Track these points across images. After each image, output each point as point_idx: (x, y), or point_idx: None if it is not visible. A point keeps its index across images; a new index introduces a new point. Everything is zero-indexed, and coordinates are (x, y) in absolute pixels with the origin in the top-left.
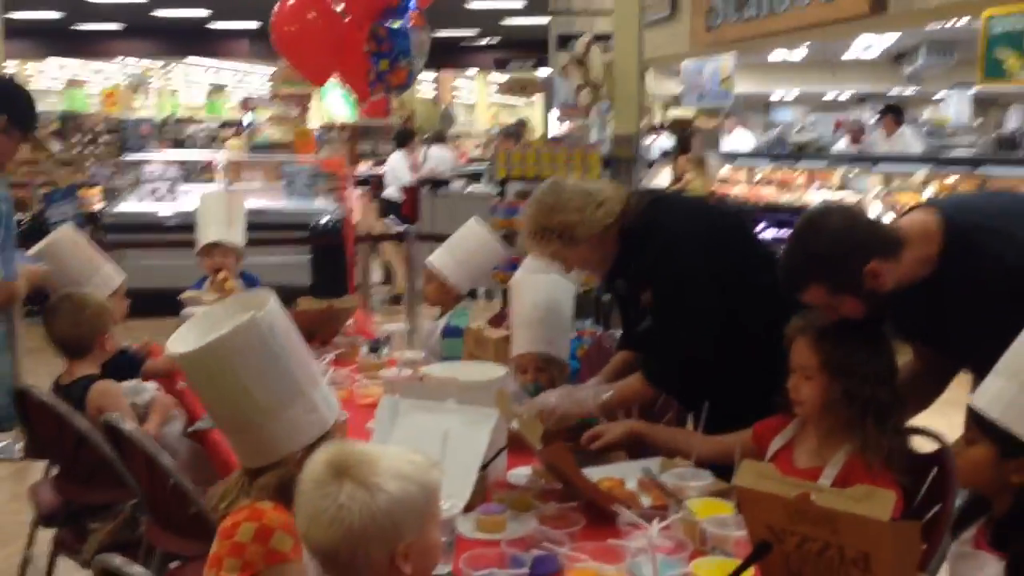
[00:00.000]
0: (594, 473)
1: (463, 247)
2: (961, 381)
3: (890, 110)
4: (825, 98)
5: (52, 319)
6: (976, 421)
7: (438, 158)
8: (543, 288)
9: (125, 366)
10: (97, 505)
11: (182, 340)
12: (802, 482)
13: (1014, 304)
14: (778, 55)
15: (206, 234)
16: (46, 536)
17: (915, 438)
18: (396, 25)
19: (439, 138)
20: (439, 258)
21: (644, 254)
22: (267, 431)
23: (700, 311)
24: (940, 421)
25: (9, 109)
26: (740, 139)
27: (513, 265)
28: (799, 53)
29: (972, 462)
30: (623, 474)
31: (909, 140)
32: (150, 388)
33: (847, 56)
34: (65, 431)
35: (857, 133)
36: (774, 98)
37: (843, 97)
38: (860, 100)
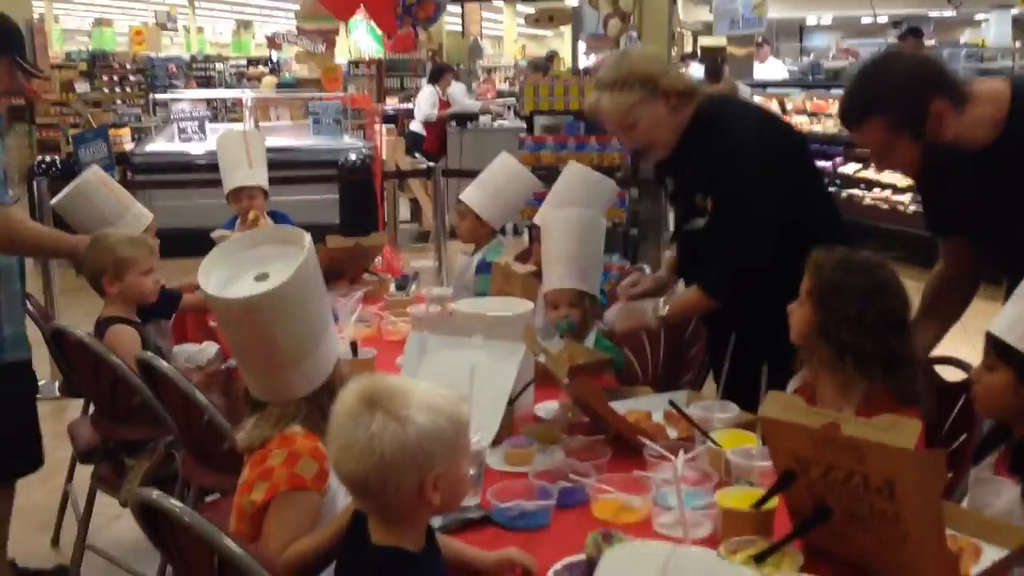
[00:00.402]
0: (620, 406)
1: (495, 182)
2: (986, 309)
3: (911, 32)
4: (862, 21)
5: (89, 257)
6: (994, 347)
7: (422, 100)
8: (575, 223)
9: (163, 304)
10: (134, 441)
11: (210, 274)
12: (827, 411)
13: None
14: None
15: (229, 179)
16: (85, 472)
17: (942, 367)
18: None
19: (433, 78)
20: (471, 195)
21: (707, 151)
22: (289, 376)
23: (761, 220)
24: (968, 350)
25: None
26: (773, 68)
27: (541, 199)
28: None
29: (991, 388)
30: (650, 407)
31: None
32: (214, 348)
33: None
34: (101, 370)
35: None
36: (809, 23)
37: (881, 20)
38: (897, 24)
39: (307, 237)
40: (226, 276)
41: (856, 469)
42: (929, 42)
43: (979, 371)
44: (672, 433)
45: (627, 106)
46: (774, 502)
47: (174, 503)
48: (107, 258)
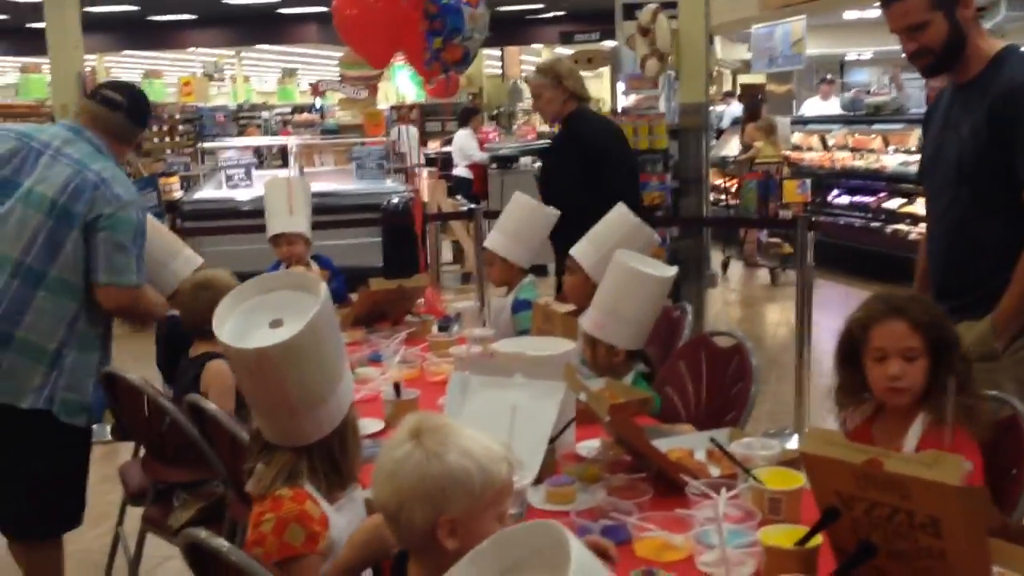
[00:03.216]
0: (662, 444)
1: (513, 223)
2: None
3: None
4: (903, 55)
5: (190, 302)
6: None
7: (459, 144)
8: (627, 277)
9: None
10: (184, 484)
11: (225, 320)
12: (869, 447)
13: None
14: (851, 13)
15: (271, 225)
16: (135, 515)
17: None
18: (446, 1)
19: (463, 121)
20: (493, 239)
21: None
22: (300, 422)
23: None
24: None
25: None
26: (819, 105)
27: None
28: (874, 11)
29: None
30: (691, 445)
31: None
32: None
33: None
34: (152, 413)
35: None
36: (849, 58)
37: None
38: None
39: (322, 285)
40: (241, 322)
41: (900, 506)
42: None
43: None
44: (715, 471)
45: (538, 83)
46: (818, 540)
47: (221, 542)
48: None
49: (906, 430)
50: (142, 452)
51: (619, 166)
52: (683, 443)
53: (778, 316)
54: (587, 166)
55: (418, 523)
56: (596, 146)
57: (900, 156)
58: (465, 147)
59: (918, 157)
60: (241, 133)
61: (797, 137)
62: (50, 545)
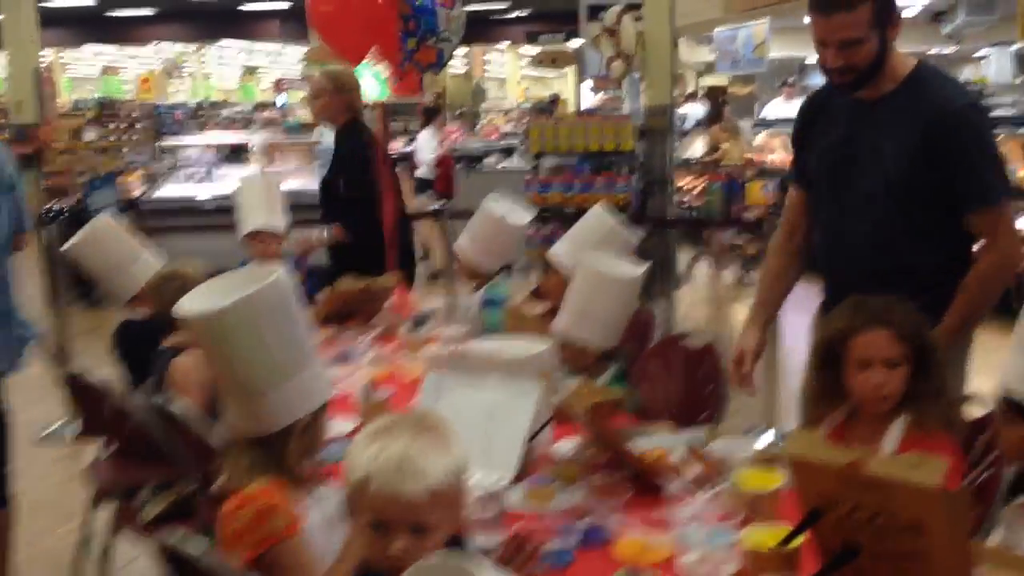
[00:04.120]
0: (640, 444)
1: (482, 231)
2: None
3: None
4: None
5: (157, 295)
6: (1007, 404)
7: (422, 144)
8: (593, 280)
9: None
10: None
11: (188, 300)
12: (852, 449)
13: (938, 139)
14: None
15: (248, 222)
16: (103, 514)
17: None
18: (421, 2)
19: (427, 121)
20: (462, 243)
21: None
22: (279, 394)
23: None
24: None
25: None
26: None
27: (548, 239)
28: None
29: (1011, 440)
30: (670, 445)
31: None
32: None
33: None
34: (119, 414)
35: None
36: (810, 61)
37: None
38: None
39: (280, 271)
40: (203, 299)
41: (883, 508)
42: None
43: (998, 418)
44: (694, 470)
45: (321, 86)
46: (799, 541)
47: (197, 546)
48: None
49: (881, 434)
50: (110, 450)
51: (363, 179)
52: (661, 443)
53: (744, 315)
54: (342, 178)
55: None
56: (360, 163)
57: None
58: (426, 147)
59: None
60: (201, 131)
61: (760, 139)
62: None
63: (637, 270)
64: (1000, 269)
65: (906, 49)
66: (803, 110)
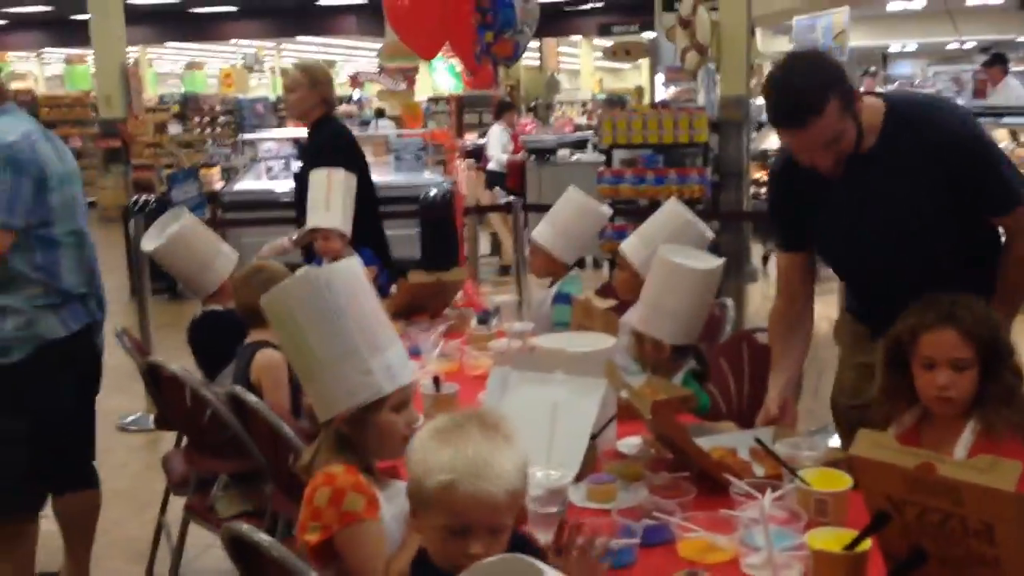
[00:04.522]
0: (705, 443)
1: (563, 218)
2: None
3: (996, 60)
4: (948, 47)
5: (242, 289)
6: None
7: (493, 138)
8: (672, 274)
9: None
10: (229, 476)
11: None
12: (920, 451)
13: (952, 169)
14: (896, 5)
15: (309, 219)
16: (179, 503)
17: None
18: None
19: (499, 114)
20: (541, 232)
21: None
22: (322, 383)
23: None
24: None
25: None
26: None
27: (620, 233)
28: (918, 2)
29: None
30: (735, 443)
31: (1018, 91)
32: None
33: (970, 2)
34: (194, 403)
35: (983, 84)
36: (892, 50)
37: (967, 46)
38: (984, 49)
39: (353, 258)
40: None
41: (953, 512)
42: (1017, 68)
43: None
44: (759, 471)
45: (295, 80)
46: (867, 544)
47: (263, 537)
48: None
49: (955, 437)
50: (184, 441)
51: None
52: (726, 442)
53: (818, 311)
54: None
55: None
56: (328, 156)
57: None
58: (496, 143)
59: None
60: (280, 124)
61: None
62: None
63: (715, 261)
64: None
65: (995, 36)
66: (777, 182)
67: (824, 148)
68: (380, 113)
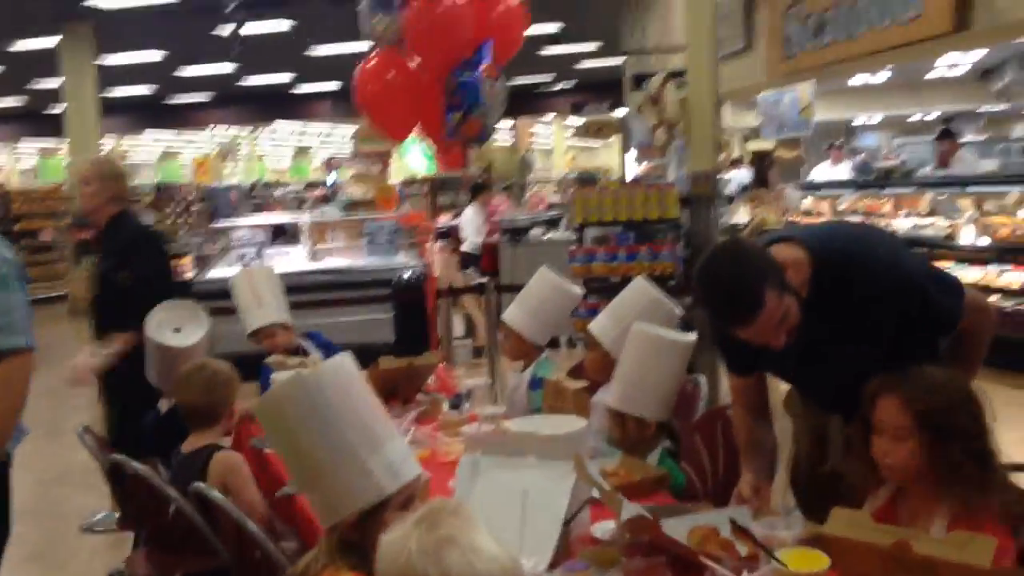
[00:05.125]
0: (687, 522)
1: (534, 299)
2: None
3: (945, 135)
4: (911, 119)
5: (184, 388)
6: None
7: (467, 219)
8: (651, 346)
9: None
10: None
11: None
12: (895, 528)
13: (886, 315)
14: (859, 79)
15: (245, 323)
16: None
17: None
18: (466, 77)
19: (474, 195)
20: (512, 314)
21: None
22: (323, 488)
23: None
24: None
25: None
26: (829, 170)
27: (593, 311)
28: (881, 76)
29: None
30: (716, 522)
31: (971, 161)
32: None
33: (932, 75)
34: (157, 501)
35: (947, 155)
36: (857, 123)
37: (929, 118)
38: (947, 120)
39: (342, 357)
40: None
41: None
42: (979, 137)
43: None
44: (742, 550)
45: (89, 172)
46: None
47: None
48: (234, 387)
49: (932, 511)
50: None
51: (143, 268)
52: (708, 520)
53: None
54: (120, 267)
55: None
56: (125, 250)
57: (911, 219)
58: (471, 224)
59: (930, 220)
60: (255, 211)
61: (808, 203)
62: None
63: (688, 336)
64: (980, 325)
65: (957, 107)
66: (719, 337)
67: (775, 332)
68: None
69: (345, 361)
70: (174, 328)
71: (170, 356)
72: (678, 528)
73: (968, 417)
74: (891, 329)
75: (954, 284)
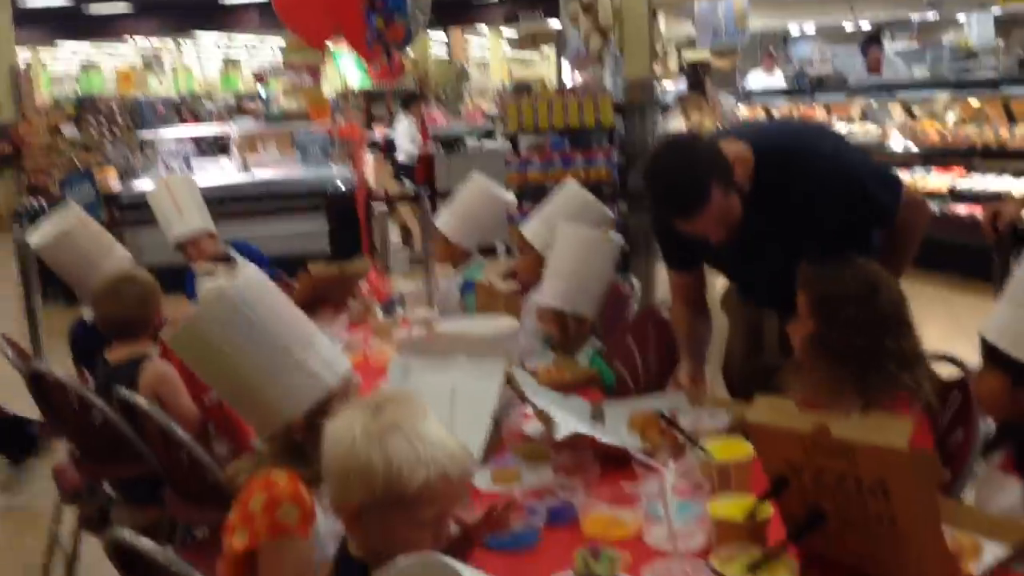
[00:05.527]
0: (627, 408)
1: (464, 204)
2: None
3: (872, 40)
4: (846, 30)
5: (114, 300)
6: (987, 352)
7: (400, 130)
8: (577, 242)
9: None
10: (120, 480)
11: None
12: (817, 414)
13: (827, 210)
14: None
15: (169, 235)
16: (70, 515)
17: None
18: None
19: (406, 106)
20: (442, 218)
21: None
22: (263, 399)
23: None
24: (963, 347)
25: None
26: (777, 79)
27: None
28: None
29: (988, 391)
30: (658, 406)
31: (901, 68)
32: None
33: None
34: (82, 410)
35: (875, 62)
36: (793, 33)
37: (863, 27)
38: (878, 28)
39: (248, 267)
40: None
41: (848, 471)
42: (913, 44)
43: (979, 372)
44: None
45: None
46: (768, 511)
47: (146, 543)
48: (158, 296)
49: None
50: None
51: None
52: (648, 405)
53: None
54: None
55: (332, 499)
56: None
57: (843, 126)
58: (404, 135)
59: (861, 126)
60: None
61: (743, 111)
62: None
63: (613, 234)
64: (914, 222)
65: (890, 15)
66: (659, 232)
67: (715, 226)
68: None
69: (254, 271)
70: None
71: (50, 258)
72: (619, 412)
73: (866, 310)
74: (831, 223)
75: (893, 180)
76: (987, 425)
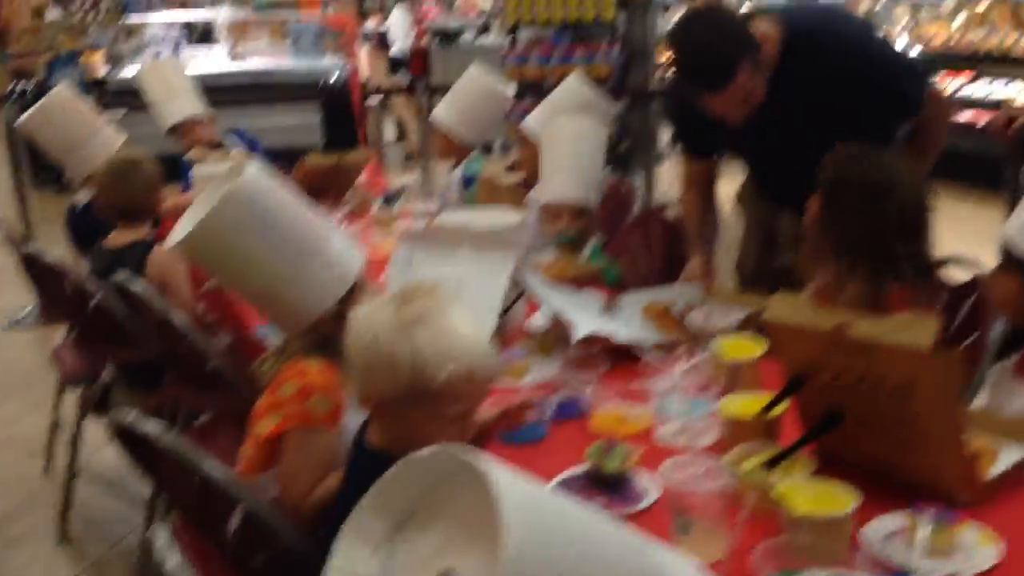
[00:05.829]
0: (640, 298)
1: (463, 97)
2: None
3: None
4: None
5: (111, 185)
6: (1004, 253)
7: (394, 22)
8: (579, 132)
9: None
10: (120, 369)
11: (181, 231)
12: (838, 312)
13: (849, 93)
14: None
15: (162, 118)
16: (71, 398)
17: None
18: None
19: None
20: (440, 111)
21: None
22: (291, 297)
23: None
24: (976, 248)
25: None
26: None
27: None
28: None
29: (1004, 293)
30: (666, 297)
31: None
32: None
33: None
34: (79, 294)
35: None
36: None
37: None
38: None
39: (250, 162)
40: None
41: (868, 373)
42: None
43: (994, 273)
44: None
45: None
46: (779, 409)
47: (152, 426)
48: (159, 179)
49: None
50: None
51: None
52: (663, 296)
53: (729, 188)
54: None
55: (356, 391)
56: None
57: None
58: (399, 27)
59: None
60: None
61: (744, 7)
62: None
63: (599, 124)
64: (937, 122)
65: None
66: (676, 116)
67: (736, 107)
68: None
69: (256, 167)
70: None
71: (36, 135)
72: (633, 302)
73: (869, 205)
74: (854, 110)
75: (919, 71)
76: (995, 330)
